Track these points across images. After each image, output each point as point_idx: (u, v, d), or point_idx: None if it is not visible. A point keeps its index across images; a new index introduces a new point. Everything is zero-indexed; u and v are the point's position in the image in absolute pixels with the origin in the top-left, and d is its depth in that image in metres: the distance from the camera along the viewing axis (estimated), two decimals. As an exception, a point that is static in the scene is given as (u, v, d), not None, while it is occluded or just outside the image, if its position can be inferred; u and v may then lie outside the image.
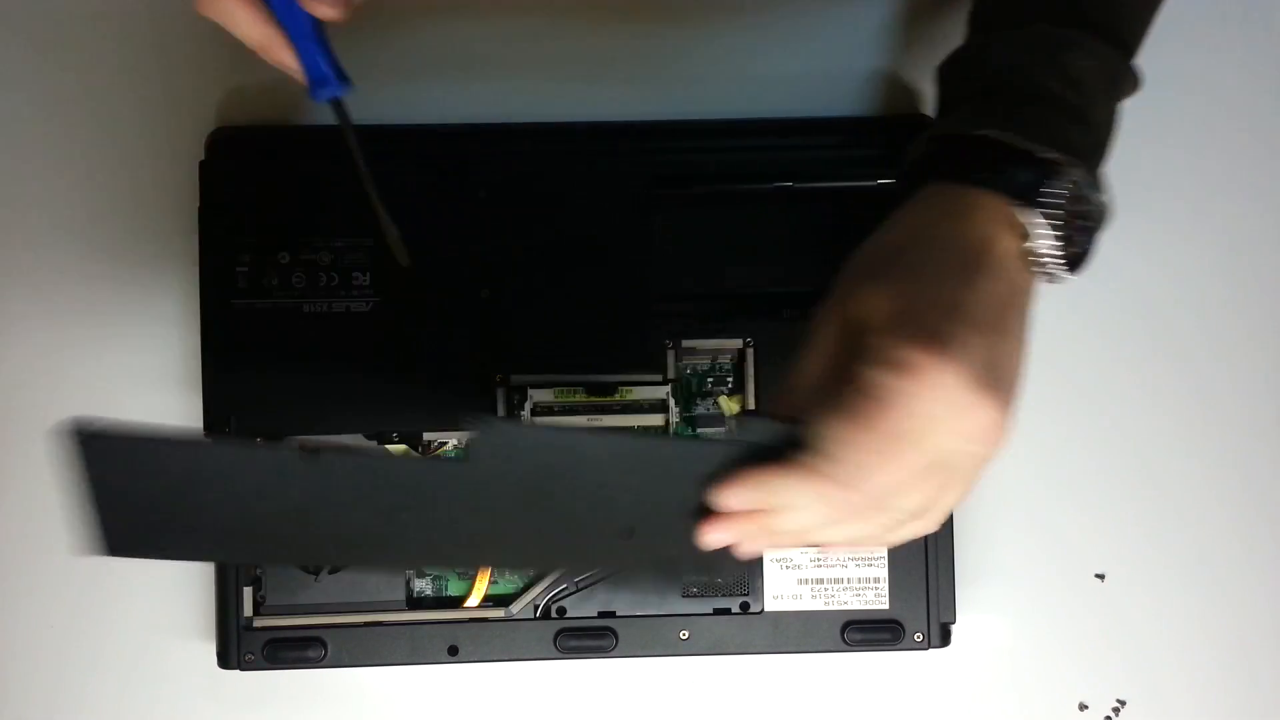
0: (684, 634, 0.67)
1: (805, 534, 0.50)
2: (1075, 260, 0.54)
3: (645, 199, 0.67)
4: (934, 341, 0.47)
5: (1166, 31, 0.72)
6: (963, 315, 0.48)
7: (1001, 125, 0.54)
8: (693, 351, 0.69)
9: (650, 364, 0.68)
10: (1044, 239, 0.52)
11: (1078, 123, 0.55)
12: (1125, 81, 0.58)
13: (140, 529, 0.49)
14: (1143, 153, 0.71)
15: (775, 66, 0.71)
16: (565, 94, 0.71)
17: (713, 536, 0.50)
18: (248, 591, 0.67)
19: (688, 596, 0.68)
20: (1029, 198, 0.52)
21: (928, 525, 0.51)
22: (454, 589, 0.69)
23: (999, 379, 0.48)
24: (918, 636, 0.67)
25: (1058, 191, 0.53)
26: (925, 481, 0.49)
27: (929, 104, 0.71)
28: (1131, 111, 0.71)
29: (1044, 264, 0.53)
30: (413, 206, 0.67)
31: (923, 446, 0.48)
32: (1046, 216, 0.52)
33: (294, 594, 0.67)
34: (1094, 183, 0.54)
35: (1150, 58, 0.71)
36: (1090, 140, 0.55)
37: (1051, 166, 0.53)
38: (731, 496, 0.50)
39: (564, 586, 0.68)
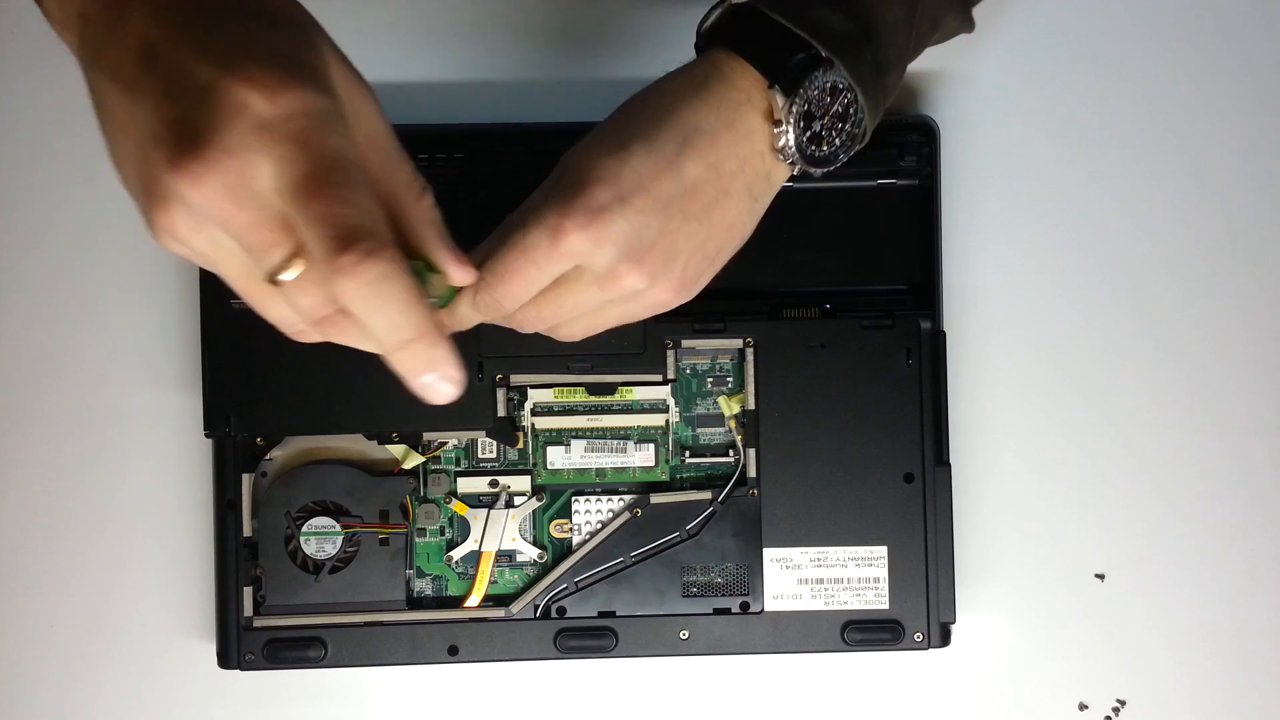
0: (684, 634, 0.67)
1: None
2: (820, 160, 0.56)
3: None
4: (589, 215, 0.51)
5: (1166, 30, 0.72)
6: (636, 198, 0.52)
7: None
8: (693, 351, 0.69)
9: (650, 364, 0.68)
10: (789, 128, 0.55)
11: (838, 9, 0.55)
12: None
13: None
14: (1143, 153, 0.71)
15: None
16: (566, 93, 0.71)
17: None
18: (248, 591, 0.67)
19: (688, 596, 0.68)
20: (787, 80, 0.54)
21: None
22: (454, 589, 0.69)
23: (650, 253, 0.53)
24: (918, 636, 0.67)
25: (816, 81, 0.54)
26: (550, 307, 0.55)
27: (930, 103, 0.71)
28: (1131, 110, 0.71)
29: (785, 152, 0.55)
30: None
31: (549, 296, 0.54)
32: (796, 104, 0.54)
33: (294, 594, 0.67)
34: (860, 89, 0.55)
35: (1150, 56, 0.71)
36: (856, 31, 0.55)
37: (820, 59, 0.54)
38: None
39: (564, 587, 0.68)
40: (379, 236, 0.43)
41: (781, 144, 0.55)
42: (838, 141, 0.56)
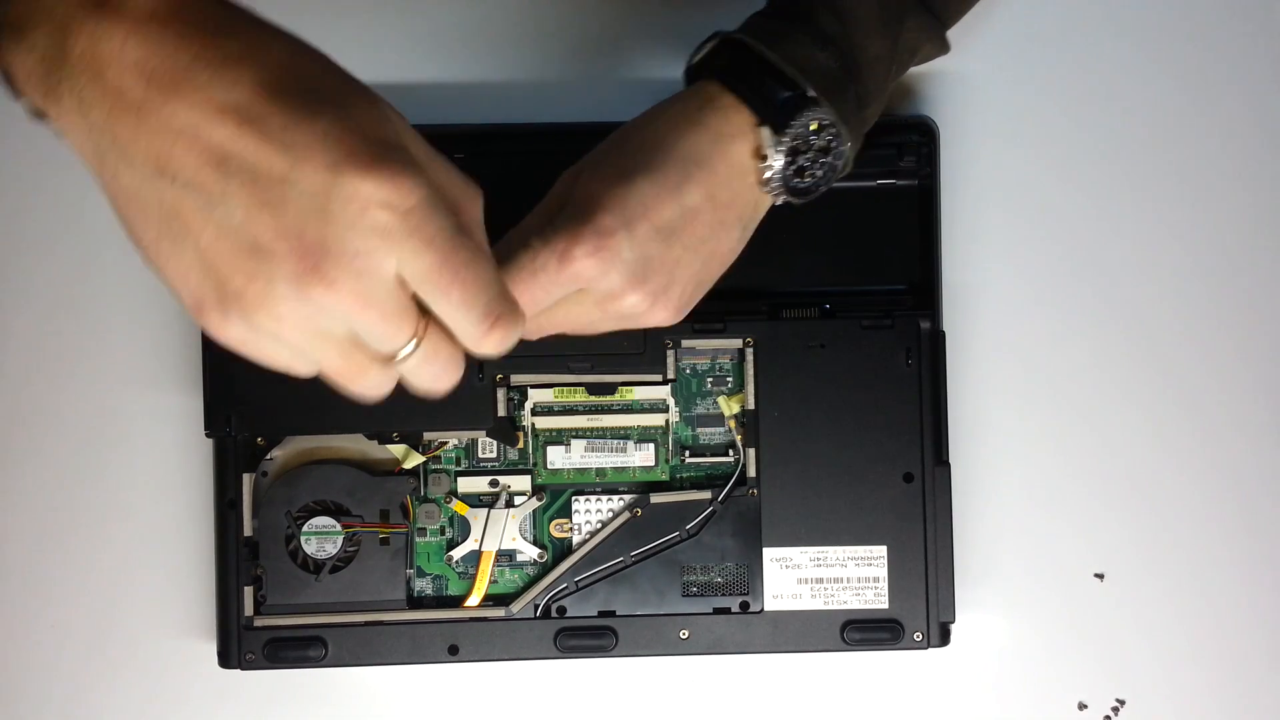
0: (684, 633, 0.67)
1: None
2: (803, 192, 0.58)
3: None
4: (597, 241, 0.53)
5: (1166, 30, 0.72)
6: (640, 224, 0.54)
7: (751, 32, 0.57)
8: (693, 351, 0.69)
9: (650, 364, 0.68)
10: (776, 162, 0.56)
11: (826, 46, 0.57)
12: (910, 31, 0.60)
13: None
14: (1142, 153, 0.71)
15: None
16: (566, 93, 0.71)
17: None
18: (248, 591, 0.67)
19: (688, 596, 0.68)
20: (776, 118, 0.56)
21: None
22: (454, 588, 0.69)
23: (652, 277, 0.55)
24: (917, 636, 0.67)
25: (803, 119, 0.56)
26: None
27: (929, 103, 0.71)
28: (1131, 110, 0.71)
29: (770, 184, 0.57)
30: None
31: (551, 313, 0.56)
32: (783, 141, 0.56)
33: (294, 593, 0.67)
34: (844, 126, 0.57)
35: (1150, 56, 0.71)
36: (841, 69, 0.57)
37: (807, 98, 0.56)
38: None
39: (564, 586, 0.68)
40: (512, 301, 0.45)
41: (767, 177, 0.57)
42: (820, 173, 0.58)
